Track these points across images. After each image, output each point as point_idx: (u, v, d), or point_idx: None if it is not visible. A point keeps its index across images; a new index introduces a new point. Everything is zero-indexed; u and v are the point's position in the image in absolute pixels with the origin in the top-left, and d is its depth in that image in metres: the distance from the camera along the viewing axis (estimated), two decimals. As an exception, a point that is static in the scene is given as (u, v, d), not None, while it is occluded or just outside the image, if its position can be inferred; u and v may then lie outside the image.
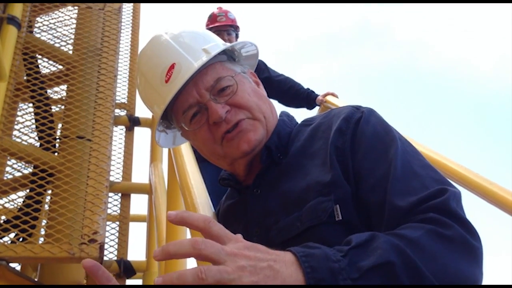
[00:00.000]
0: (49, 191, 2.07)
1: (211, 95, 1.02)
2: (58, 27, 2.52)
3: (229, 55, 1.12)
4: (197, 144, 1.09)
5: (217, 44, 1.08)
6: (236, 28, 3.79)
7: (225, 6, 3.75)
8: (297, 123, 1.14)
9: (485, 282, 0.79)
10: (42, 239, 1.94)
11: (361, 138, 0.94)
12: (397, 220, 0.81)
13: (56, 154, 2.13)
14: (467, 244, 0.76)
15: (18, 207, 1.98)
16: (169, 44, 1.07)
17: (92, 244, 1.86)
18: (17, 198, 2.02)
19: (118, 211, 2.96)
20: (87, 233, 1.89)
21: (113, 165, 3.02)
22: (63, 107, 2.33)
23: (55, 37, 2.47)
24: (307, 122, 1.10)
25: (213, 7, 3.72)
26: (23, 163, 2.13)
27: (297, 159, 1.01)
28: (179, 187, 1.43)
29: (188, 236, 1.34)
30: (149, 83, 1.09)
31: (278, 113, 1.15)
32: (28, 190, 2.05)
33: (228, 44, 1.10)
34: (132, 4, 3.61)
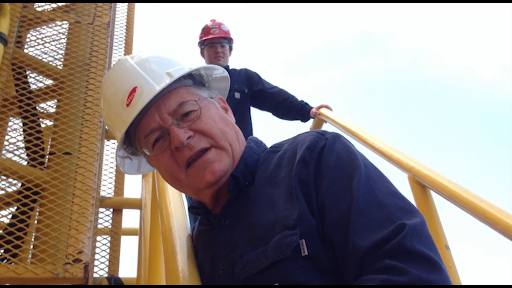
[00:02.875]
0: (35, 210, 2.04)
1: (174, 120, 0.99)
2: (47, 42, 2.50)
3: (197, 80, 1.09)
4: (159, 170, 1.06)
5: (182, 68, 1.05)
6: (229, 40, 3.78)
7: (231, 16, 3.74)
8: (266, 148, 1.10)
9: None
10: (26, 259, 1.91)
11: (325, 168, 0.91)
12: (359, 260, 0.80)
13: (43, 171, 2.10)
14: (425, 283, 0.74)
15: (3, 226, 1.95)
16: (132, 68, 1.04)
17: (77, 264, 1.83)
18: (1, 217, 1.99)
19: (110, 227, 2.92)
20: (71, 253, 1.85)
21: (105, 180, 2.98)
22: (51, 123, 2.31)
23: (43, 52, 2.46)
24: (274, 148, 1.07)
25: (214, 8, 3.72)
26: (9, 181, 2.10)
27: (264, 188, 0.98)
28: (158, 208, 1.40)
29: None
30: (111, 108, 1.06)
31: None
32: (14, 208, 2.02)
33: (194, 68, 1.07)
34: (126, 16, 3.60)
